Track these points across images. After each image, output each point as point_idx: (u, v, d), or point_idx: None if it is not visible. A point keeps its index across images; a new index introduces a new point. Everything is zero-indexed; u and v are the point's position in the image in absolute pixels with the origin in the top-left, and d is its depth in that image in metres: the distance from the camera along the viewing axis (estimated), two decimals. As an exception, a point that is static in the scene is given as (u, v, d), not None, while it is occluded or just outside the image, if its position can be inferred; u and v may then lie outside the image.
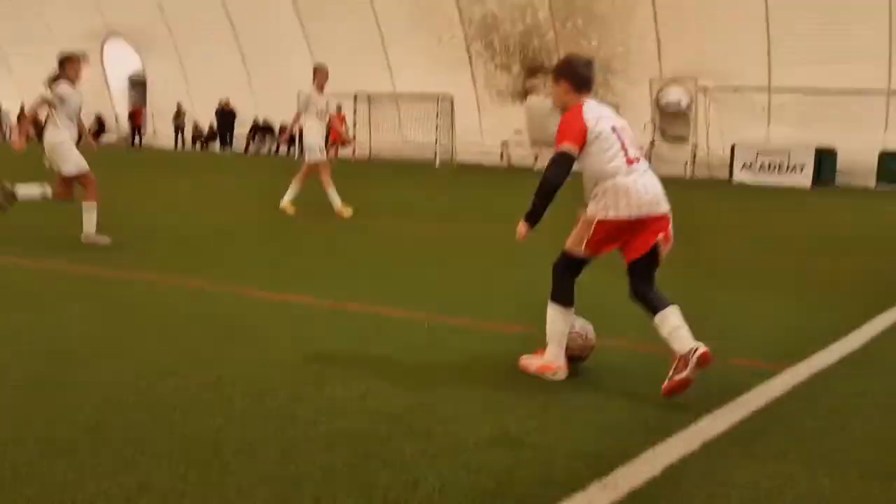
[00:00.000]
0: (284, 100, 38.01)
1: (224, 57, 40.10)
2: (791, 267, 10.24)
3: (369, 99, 37.75)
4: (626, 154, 4.96)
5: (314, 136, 13.45)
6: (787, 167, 29.17)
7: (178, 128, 43.19)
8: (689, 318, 6.72)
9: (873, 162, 28.40)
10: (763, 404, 4.69)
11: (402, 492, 3.38)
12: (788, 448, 4.03)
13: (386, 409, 4.37)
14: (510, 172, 30.08)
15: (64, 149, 9.38)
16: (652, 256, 4.92)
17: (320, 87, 13.33)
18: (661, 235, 4.89)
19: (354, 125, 36.60)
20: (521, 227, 5.02)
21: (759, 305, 7.56)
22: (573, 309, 5.09)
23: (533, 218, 4.98)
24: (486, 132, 35.47)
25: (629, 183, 4.88)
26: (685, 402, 4.63)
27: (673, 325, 4.84)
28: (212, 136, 43.08)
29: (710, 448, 3.99)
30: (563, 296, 5.05)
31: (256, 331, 5.93)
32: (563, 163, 4.90)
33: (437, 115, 35.36)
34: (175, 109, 42.90)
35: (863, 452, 4.02)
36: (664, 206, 4.99)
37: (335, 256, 9.63)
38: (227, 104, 41.16)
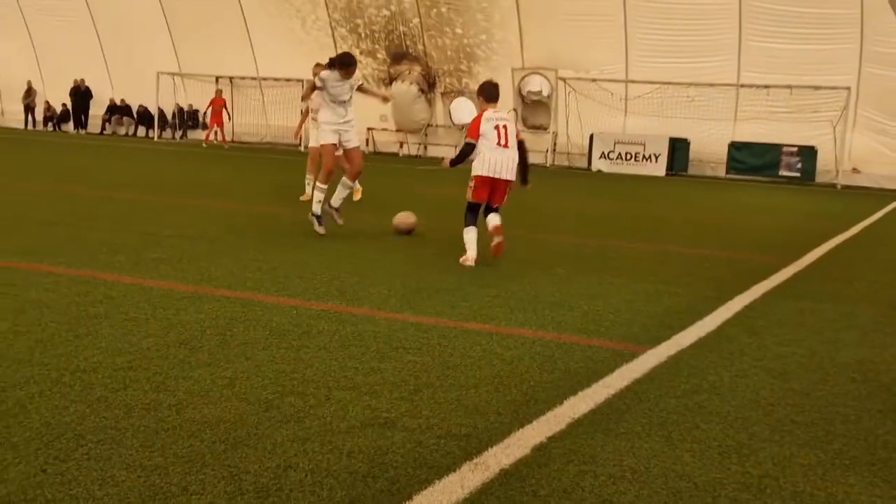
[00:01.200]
0: (143, 81, 37.12)
1: (78, 35, 38.59)
2: (648, 252, 10.57)
3: (232, 83, 37.03)
4: (498, 141, 8.71)
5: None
6: (643, 156, 30.19)
7: (29, 107, 41.34)
8: (552, 302, 6.86)
9: (723, 152, 29.67)
10: (626, 385, 4.82)
11: (273, 477, 3.33)
12: (651, 427, 4.16)
13: (255, 394, 4.30)
14: (376, 159, 30.00)
15: None
16: (499, 202, 8.94)
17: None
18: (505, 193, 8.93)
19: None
20: (446, 162, 9.26)
21: (619, 290, 7.78)
22: (475, 227, 8.72)
23: (453, 164, 9.04)
24: (352, 118, 35.26)
25: (489, 156, 8.70)
26: (551, 384, 4.73)
27: (492, 220, 8.79)
28: (65, 116, 41.40)
29: (576, 428, 4.08)
30: (468, 221, 8.78)
31: (115, 317, 5.73)
32: (466, 147, 8.86)
33: (302, 100, 34.86)
34: (25, 88, 41.03)
35: (720, 430, 4.19)
36: (506, 175, 8.76)
37: (199, 241, 9.39)
38: (82, 84, 39.61)
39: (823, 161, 28.68)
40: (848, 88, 27.75)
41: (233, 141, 35.83)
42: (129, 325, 5.54)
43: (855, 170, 28.77)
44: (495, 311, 6.61)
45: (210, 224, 10.90)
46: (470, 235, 8.73)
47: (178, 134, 39.15)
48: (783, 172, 28.85)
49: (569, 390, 4.63)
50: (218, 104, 33.37)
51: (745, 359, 5.56)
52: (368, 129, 34.30)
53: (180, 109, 38.72)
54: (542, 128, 32.82)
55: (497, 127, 8.68)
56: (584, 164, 31.30)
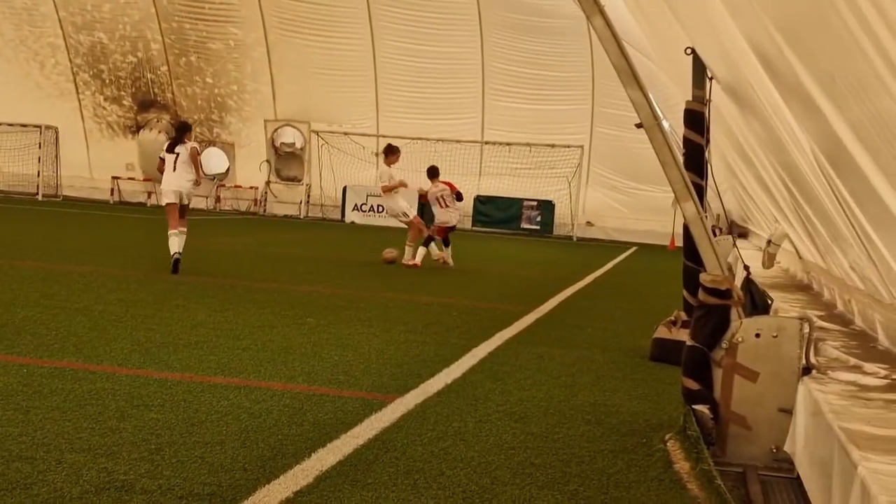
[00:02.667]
0: None
1: None
2: (398, 302, 10.73)
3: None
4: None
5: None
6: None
7: None
8: (303, 353, 6.81)
9: (470, 205, 30.85)
10: (374, 435, 4.85)
11: (-6, 551, 3.07)
12: (398, 475, 4.19)
13: (-25, 462, 3.96)
14: (122, 209, 28.79)
15: None
16: None
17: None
18: None
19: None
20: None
21: (370, 339, 7.84)
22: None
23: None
24: (96, 166, 33.74)
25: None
26: (300, 437, 4.68)
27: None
28: None
29: (323, 481, 4.05)
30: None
31: None
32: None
33: (40, 146, 33.05)
34: None
35: (464, 475, 4.29)
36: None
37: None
38: None
39: (561, 214, 30.44)
40: (581, 147, 29.70)
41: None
42: None
43: (589, 223, 30.67)
44: (245, 363, 6.48)
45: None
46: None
47: None
48: (524, 225, 30.39)
49: (317, 442, 4.60)
50: None
51: (489, 404, 5.74)
52: (114, 177, 32.96)
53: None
54: (295, 180, 32.76)
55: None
56: (338, 216, 31.49)
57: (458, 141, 30.40)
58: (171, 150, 12.25)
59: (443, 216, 16.13)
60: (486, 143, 30.77)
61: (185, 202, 12.19)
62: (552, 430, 5.22)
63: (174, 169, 12.11)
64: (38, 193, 32.67)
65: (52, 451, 4.18)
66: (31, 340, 6.80)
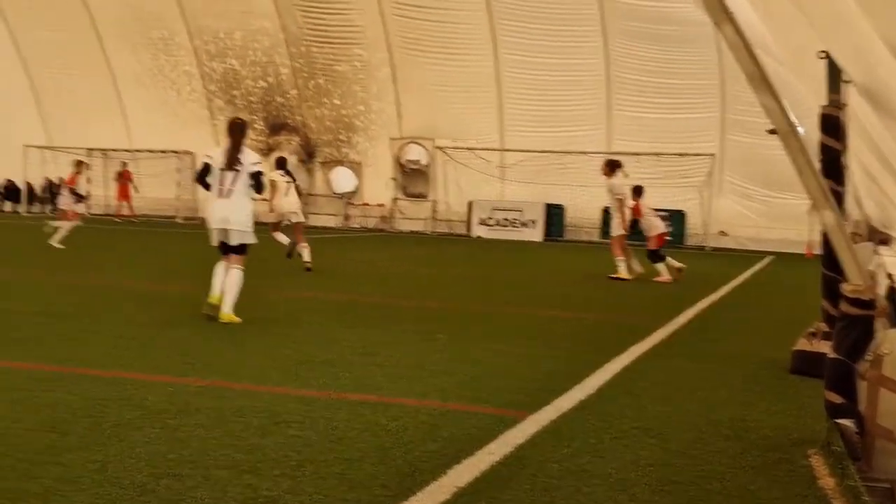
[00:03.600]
0: (7, 154, 35.91)
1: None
2: (527, 317, 10.71)
3: (105, 155, 36.22)
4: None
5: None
6: (521, 222, 30.91)
7: None
8: (435, 369, 6.86)
9: (598, 217, 30.51)
10: (509, 451, 4.84)
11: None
12: (535, 493, 4.18)
13: (128, 478, 4.14)
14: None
15: None
16: None
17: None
18: None
19: (88, 181, 34.89)
20: None
21: (501, 355, 7.84)
22: None
23: None
24: (230, 188, 34.87)
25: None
26: (436, 453, 4.71)
27: None
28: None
29: (460, 497, 4.07)
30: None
31: (-20, 401, 5.46)
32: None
33: (178, 171, 34.46)
34: None
35: (602, 492, 4.24)
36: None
37: (67, 319, 9.05)
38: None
39: (692, 224, 29.78)
40: (713, 155, 29.03)
41: (118, 215, 34.83)
42: (-7, 409, 5.29)
43: (722, 232, 29.92)
44: (379, 380, 6.57)
45: (74, 301, 10.54)
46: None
47: (49, 208, 37.94)
48: (655, 236, 29.86)
49: (453, 459, 4.62)
50: (125, 178, 33.23)
51: (624, 420, 5.66)
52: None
53: (50, 183, 37.60)
54: (421, 196, 33.15)
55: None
56: (464, 231, 31.69)
57: (584, 152, 30.16)
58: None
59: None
60: (613, 153, 30.45)
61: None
62: (690, 447, 5.11)
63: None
64: (176, 216, 34.01)
65: (198, 468, 4.33)
66: (177, 359, 7.07)
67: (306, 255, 14.80)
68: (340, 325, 9.14)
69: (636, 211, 16.85)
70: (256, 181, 9.15)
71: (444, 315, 10.60)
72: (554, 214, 30.82)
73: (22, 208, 37.16)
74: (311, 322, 9.39)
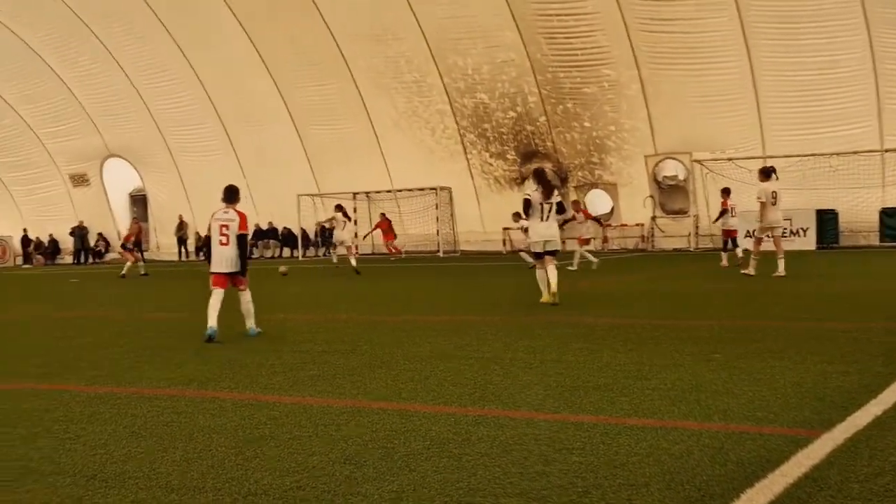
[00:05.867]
0: (283, 204, 38.65)
1: (221, 169, 40.60)
2: (807, 330, 10.15)
3: (368, 197, 38.16)
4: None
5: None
6: (791, 231, 29.38)
7: (181, 240, 43.52)
8: (714, 390, 6.62)
9: (875, 220, 28.58)
10: (803, 472, 4.58)
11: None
12: (838, 516, 3.93)
13: (422, 507, 4.27)
14: (512, 258, 30.13)
15: None
16: None
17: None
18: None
19: (355, 223, 36.91)
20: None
21: (783, 372, 7.46)
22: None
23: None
24: (487, 220, 35.72)
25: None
26: (725, 477, 4.54)
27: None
28: (215, 245, 43.29)
29: (758, 522, 3.89)
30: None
31: (279, 437, 5.84)
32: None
33: (437, 207, 35.69)
34: (177, 222, 43.28)
35: (915, 515, 3.92)
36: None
37: (351, 355, 9.53)
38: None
39: None
40: None
41: (372, 253, 36.58)
42: (293, 444, 5.63)
43: None
44: (656, 403, 6.43)
45: (358, 338, 11.06)
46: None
47: (322, 251, 40.43)
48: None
49: (744, 482, 4.43)
50: (384, 226, 35.22)
51: (931, 437, 5.22)
52: (504, 229, 34.60)
53: (322, 228, 40.07)
54: (681, 212, 32.40)
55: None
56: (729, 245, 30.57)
57: (854, 152, 28.40)
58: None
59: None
60: (887, 150, 28.42)
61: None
62: None
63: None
64: (438, 250, 35.16)
65: (488, 496, 4.40)
66: (454, 390, 7.25)
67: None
68: (610, 349, 9.04)
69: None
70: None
71: (716, 333, 10.24)
72: (826, 220, 29.12)
73: (298, 253, 39.80)
74: (580, 348, 9.36)
